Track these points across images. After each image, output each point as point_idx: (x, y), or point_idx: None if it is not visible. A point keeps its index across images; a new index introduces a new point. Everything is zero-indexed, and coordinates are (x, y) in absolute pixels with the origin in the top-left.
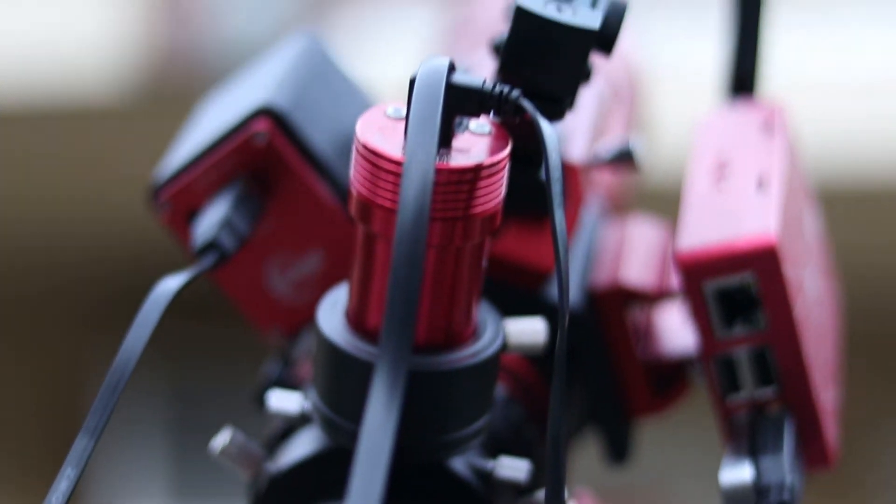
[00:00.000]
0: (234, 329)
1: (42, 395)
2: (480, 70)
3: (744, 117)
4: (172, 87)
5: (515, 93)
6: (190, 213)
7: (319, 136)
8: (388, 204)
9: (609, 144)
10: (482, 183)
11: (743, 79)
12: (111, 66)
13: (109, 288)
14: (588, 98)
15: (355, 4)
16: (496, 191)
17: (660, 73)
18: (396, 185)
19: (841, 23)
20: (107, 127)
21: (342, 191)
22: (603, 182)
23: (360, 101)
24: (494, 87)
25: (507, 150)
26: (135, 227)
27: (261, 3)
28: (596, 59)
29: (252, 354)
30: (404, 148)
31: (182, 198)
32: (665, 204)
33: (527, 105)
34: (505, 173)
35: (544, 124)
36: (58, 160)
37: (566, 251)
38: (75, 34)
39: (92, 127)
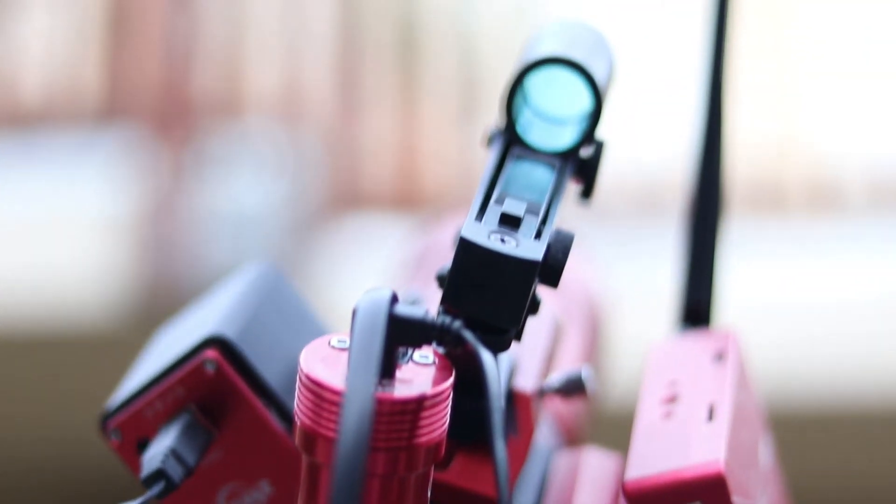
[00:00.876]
0: None
1: None
2: (431, 300)
3: (696, 346)
4: (156, 317)
5: (456, 324)
6: (141, 441)
7: (268, 364)
8: (331, 434)
9: (561, 373)
10: (425, 413)
11: (696, 312)
12: (95, 297)
13: None
14: (541, 325)
15: (335, 232)
16: (440, 421)
17: (617, 297)
18: (338, 415)
19: (794, 251)
20: (90, 356)
21: (291, 420)
22: (557, 410)
23: (312, 331)
24: (436, 318)
25: (450, 381)
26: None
27: (244, 233)
28: (549, 289)
29: None
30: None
31: (131, 426)
32: (620, 429)
33: (468, 337)
34: (448, 404)
35: (485, 356)
36: (28, 389)
37: (506, 481)
38: (54, 265)
39: (74, 357)
